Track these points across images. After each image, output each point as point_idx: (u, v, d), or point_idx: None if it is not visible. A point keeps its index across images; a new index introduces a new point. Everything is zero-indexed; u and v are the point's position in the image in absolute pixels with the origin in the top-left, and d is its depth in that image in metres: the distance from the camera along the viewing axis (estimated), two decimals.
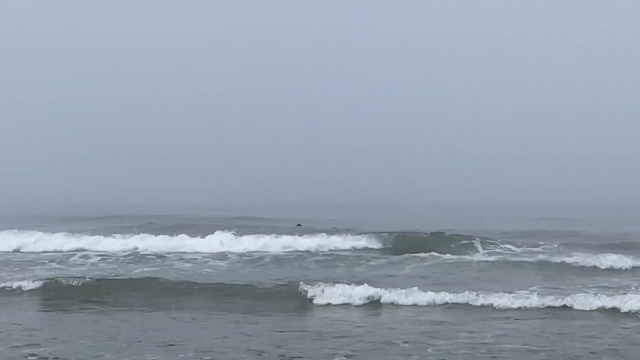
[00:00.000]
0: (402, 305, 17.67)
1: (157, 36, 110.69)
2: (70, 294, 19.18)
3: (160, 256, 26.54)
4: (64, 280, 20.03)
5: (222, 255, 26.81)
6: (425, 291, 18.10)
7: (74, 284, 19.77)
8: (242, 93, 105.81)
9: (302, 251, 27.81)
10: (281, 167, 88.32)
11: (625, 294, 17.70)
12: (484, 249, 28.41)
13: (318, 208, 58.71)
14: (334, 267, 24.57)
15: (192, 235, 30.19)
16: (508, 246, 28.87)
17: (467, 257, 26.24)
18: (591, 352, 13.29)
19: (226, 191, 75.41)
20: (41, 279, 20.37)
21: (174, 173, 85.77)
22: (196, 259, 26.10)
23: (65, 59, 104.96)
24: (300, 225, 38.13)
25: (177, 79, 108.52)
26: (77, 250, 28.09)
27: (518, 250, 28.34)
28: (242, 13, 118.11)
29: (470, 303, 17.40)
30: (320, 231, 31.62)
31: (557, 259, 24.75)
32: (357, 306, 17.77)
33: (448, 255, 26.33)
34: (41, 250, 28.82)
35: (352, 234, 30.49)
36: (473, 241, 29.18)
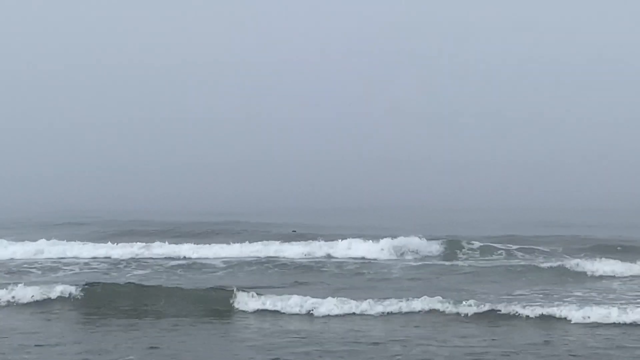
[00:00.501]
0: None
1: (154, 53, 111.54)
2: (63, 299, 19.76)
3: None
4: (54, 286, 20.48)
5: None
6: (411, 299, 18.49)
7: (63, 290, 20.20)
8: (239, 94, 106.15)
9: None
10: (278, 170, 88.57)
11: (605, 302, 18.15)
12: (478, 252, 28.92)
13: (315, 213, 59.02)
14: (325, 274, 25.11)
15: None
16: (504, 250, 29.30)
17: (460, 261, 26.87)
18: (571, 355, 13.91)
19: (223, 194, 75.67)
20: (28, 285, 20.84)
21: (167, 178, 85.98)
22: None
23: (73, 65, 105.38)
24: (295, 231, 38.33)
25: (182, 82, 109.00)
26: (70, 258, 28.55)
27: (515, 253, 28.84)
28: (243, 35, 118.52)
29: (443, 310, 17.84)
30: (315, 237, 32.22)
31: (554, 264, 25.20)
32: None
33: (443, 261, 27.07)
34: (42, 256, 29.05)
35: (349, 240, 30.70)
36: (469, 245, 29.69)
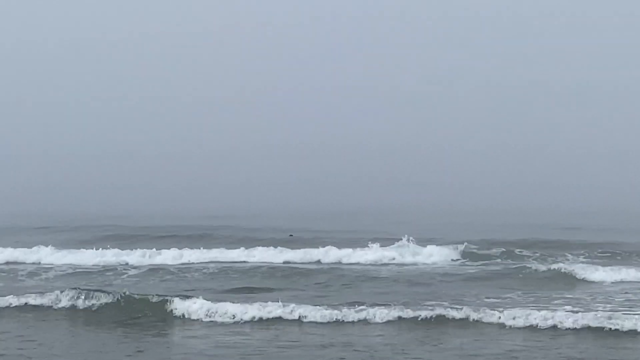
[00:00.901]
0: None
1: (145, 37, 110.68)
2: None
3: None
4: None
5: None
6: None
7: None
8: (234, 92, 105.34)
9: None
10: (276, 170, 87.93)
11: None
12: (475, 256, 29.10)
13: (314, 214, 58.76)
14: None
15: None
16: (502, 253, 29.40)
17: (457, 265, 27.26)
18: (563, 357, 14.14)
19: (219, 195, 75.18)
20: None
21: (164, 177, 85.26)
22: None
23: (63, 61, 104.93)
24: (292, 235, 38.40)
25: (162, 81, 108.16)
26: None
27: (513, 256, 29.00)
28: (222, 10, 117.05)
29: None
30: (312, 241, 32.42)
31: (550, 267, 25.33)
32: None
33: (441, 264, 27.74)
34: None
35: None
36: (467, 248, 29.90)
